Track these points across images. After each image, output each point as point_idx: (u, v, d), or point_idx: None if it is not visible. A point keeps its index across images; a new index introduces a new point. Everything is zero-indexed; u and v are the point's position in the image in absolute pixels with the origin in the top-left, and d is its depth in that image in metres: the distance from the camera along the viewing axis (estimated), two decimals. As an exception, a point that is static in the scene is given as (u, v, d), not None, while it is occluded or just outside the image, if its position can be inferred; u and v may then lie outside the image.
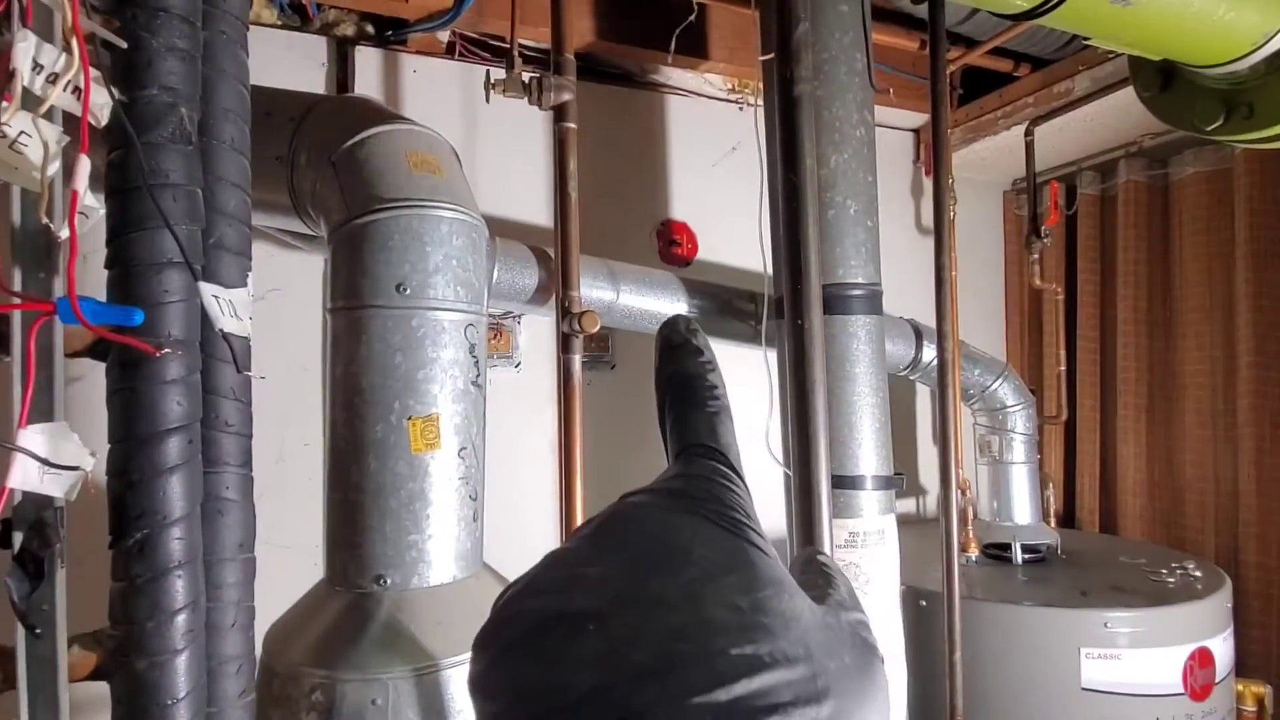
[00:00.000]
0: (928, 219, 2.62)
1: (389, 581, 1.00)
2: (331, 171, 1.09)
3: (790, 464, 1.42)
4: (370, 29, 1.89)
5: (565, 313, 0.90)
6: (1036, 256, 2.32)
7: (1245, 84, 1.23)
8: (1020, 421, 2.01)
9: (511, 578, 0.64)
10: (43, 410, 0.55)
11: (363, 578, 1.00)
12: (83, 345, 0.62)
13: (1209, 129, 1.28)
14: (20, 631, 0.57)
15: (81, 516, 0.70)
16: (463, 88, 1.96)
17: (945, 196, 1.79)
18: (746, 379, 1.80)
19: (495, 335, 1.93)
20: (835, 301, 1.47)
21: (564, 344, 0.91)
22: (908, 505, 2.54)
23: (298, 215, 1.21)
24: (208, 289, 0.64)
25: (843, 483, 1.47)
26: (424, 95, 1.92)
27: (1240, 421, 2.12)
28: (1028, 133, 2.26)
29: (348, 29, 1.87)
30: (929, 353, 2.01)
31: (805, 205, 1.26)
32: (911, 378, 2.08)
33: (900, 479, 1.55)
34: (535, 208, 2.05)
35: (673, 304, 1.72)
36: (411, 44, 1.91)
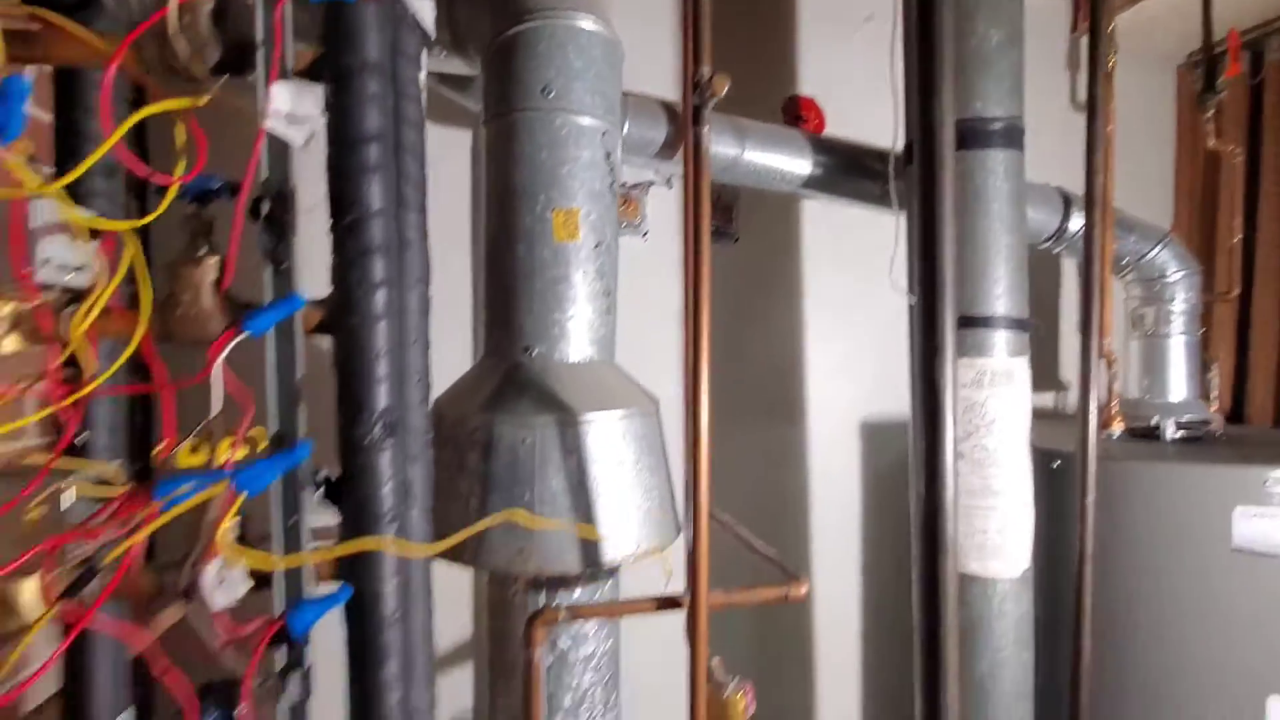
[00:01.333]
0: (1085, 96, 2.41)
1: (536, 352, 1.12)
2: (484, -5, 1.20)
3: (915, 298, 1.41)
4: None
5: (695, 86, 0.95)
6: (1211, 114, 2.08)
7: None
8: (1181, 292, 1.86)
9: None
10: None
11: (514, 349, 1.13)
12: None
13: None
14: (268, 278, 0.73)
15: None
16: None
17: (1102, 40, 1.66)
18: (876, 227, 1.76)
19: (624, 203, 2.02)
20: (972, 136, 1.43)
21: (694, 117, 0.97)
22: (1046, 400, 2.42)
23: (455, 51, 1.34)
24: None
25: (972, 322, 1.45)
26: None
27: None
28: (1208, -24, 2.02)
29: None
30: (1077, 222, 1.89)
31: (941, 13, 1.23)
32: (1055, 250, 1.97)
33: (1034, 324, 1.50)
34: (664, 88, 2.10)
35: (798, 161, 1.73)
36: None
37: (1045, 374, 2.38)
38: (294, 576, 0.68)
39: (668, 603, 1.04)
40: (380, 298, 0.77)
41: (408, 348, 0.90)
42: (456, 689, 1.92)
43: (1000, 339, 1.45)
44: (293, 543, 0.72)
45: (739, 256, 2.14)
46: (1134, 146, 2.34)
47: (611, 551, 1.08)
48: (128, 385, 0.63)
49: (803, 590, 1.08)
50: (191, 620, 0.62)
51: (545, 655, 1.12)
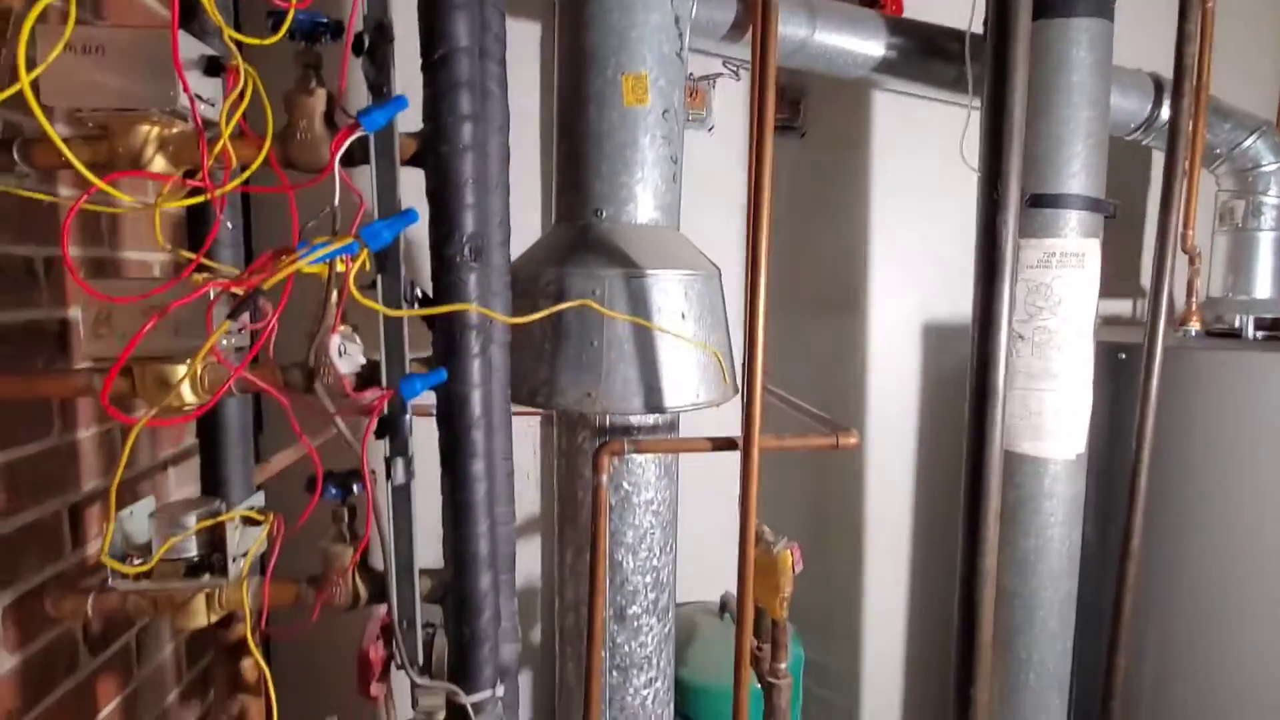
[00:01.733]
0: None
1: (604, 214, 1.19)
2: None
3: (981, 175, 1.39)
4: None
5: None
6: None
7: None
8: (1275, 184, 1.76)
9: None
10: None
11: (584, 210, 1.20)
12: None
13: None
14: (369, 102, 0.81)
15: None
16: None
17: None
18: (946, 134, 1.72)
19: (691, 95, 2.02)
20: (1055, 2, 1.37)
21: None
22: (1123, 307, 2.35)
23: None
24: None
25: (1042, 201, 1.43)
26: None
27: None
28: None
29: None
30: (1169, 110, 1.79)
31: None
32: (1144, 141, 1.88)
33: (1110, 205, 1.46)
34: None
35: (870, 42, 1.70)
36: None
37: (1125, 279, 2.31)
38: (398, 362, 0.78)
39: (724, 443, 1.12)
40: (468, 130, 0.84)
41: (490, 188, 0.97)
42: (524, 559, 2.10)
43: (1072, 219, 1.43)
44: (394, 341, 0.83)
45: (806, 153, 2.12)
46: (1239, 37, 2.16)
47: (672, 398, 1.16)
48: (257, 188, 0.73)
49: (853, 439, 1.14)
50: (318, 396, 0.73)
51: (610, 495, 1.23)
